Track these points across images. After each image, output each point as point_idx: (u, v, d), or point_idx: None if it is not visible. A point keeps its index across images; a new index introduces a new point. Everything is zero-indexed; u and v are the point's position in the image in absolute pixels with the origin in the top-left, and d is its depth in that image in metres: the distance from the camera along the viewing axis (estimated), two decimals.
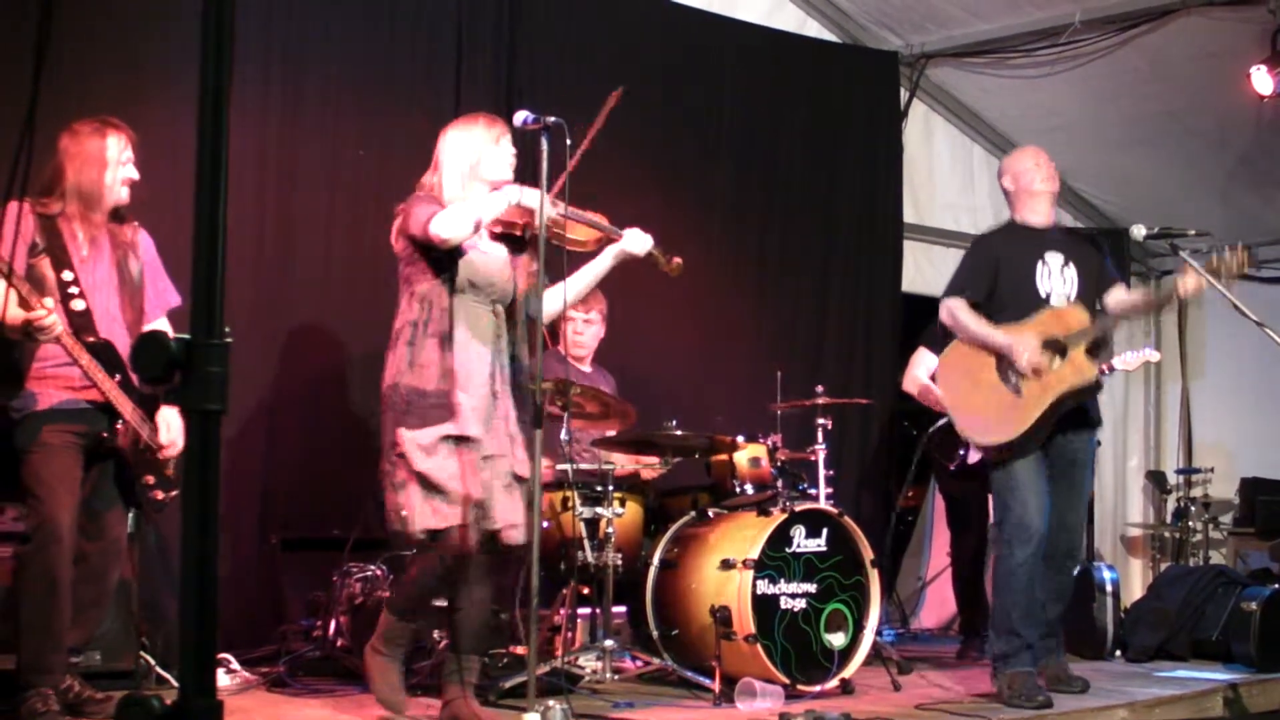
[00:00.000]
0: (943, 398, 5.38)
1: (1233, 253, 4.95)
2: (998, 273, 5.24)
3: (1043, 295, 5.19)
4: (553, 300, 4.45)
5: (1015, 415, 5.06)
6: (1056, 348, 5.09)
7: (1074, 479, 5.26)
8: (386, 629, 4.33)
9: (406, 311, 4.28)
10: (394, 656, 4.34)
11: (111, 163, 4.38)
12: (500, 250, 4.42)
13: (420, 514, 4.11)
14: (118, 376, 4.30)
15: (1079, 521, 5.36)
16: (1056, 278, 5.23)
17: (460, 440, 4.15)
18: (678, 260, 4.64)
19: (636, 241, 4.55)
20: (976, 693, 5.28)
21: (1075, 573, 5.45)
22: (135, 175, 4.44)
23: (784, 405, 6.29)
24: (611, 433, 5.67)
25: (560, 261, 4.35)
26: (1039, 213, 5.37)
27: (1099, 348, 5.24)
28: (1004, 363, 5.12)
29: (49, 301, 4.12)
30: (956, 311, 5.22)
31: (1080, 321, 5.11)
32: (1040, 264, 5.22)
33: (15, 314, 4.02)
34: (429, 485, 4.11)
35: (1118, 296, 5.31)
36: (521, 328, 4.38)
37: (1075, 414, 5.19)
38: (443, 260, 4.25)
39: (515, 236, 4.44)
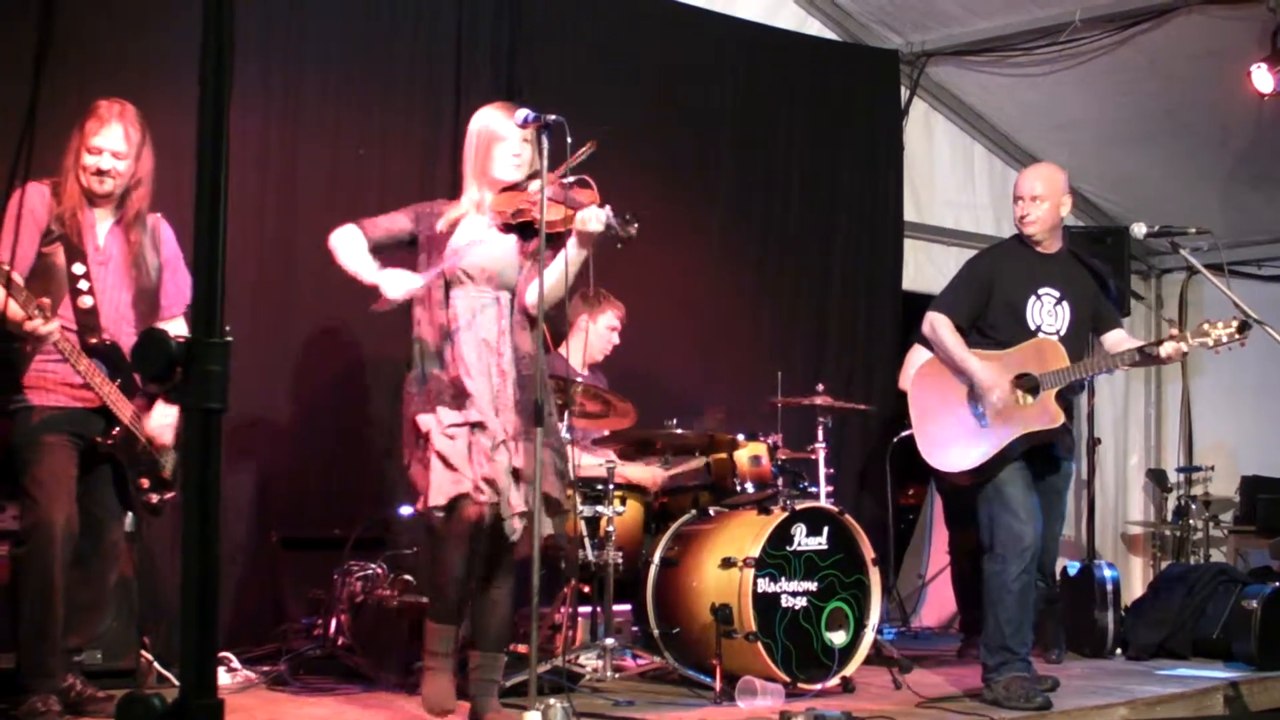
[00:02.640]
0: (910, 411, 5.29)
1: (1225, 325, 4.94)
2: (990, 298, 5.20)
3: (1031, 329, 5.15)
4: (533, 291, 4.36)
5: (974, 446, 5.06)
6: (1029, 384, 5.06)
7: (1053, 501, 5.27)
8: (430, 640, 4.30)
9: (417, 303, 4.36)
10: (443, 668, 4.29)
11: (92, 149, 4.28)
12: (506, 240, 4.40)
13: (438, 488, 4.14)
14: (118, 380, 4.27)
15: (1054, 537, 5.40)
16: (1048, 314, 5.18)
17: (474, 426, 4.19)
18: (634, 228, 4.27)
19: (591, 218, 4.23)
20: (977, 691, 5.28)
21: (1043, 584, 5.44)
22: (105, 165, 4.28)
23: (784, 401, 6.29)
24: (605, 432, 5.68)
25: (539, 249, 4.32)
26: (1054, 239, 5.28)
27: (1072, 392, 5.21)
28: (975, 391, 5.09)
29: (45, 301, 4.04)
30: (939, 328, 5.19)
31: (1059, 362, 5.05)
32: (1034, 298, 5.17)
33: (15, 312, 3.99)
34: (447, 464, 4.15)
35: (1115, 339, 5.28)
36: (519, 315, 4.38)
37: (1047, 446, 5.16)
38: (433, 253, 4.34)
39: (526, 224, 4.36)
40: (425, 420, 4.21)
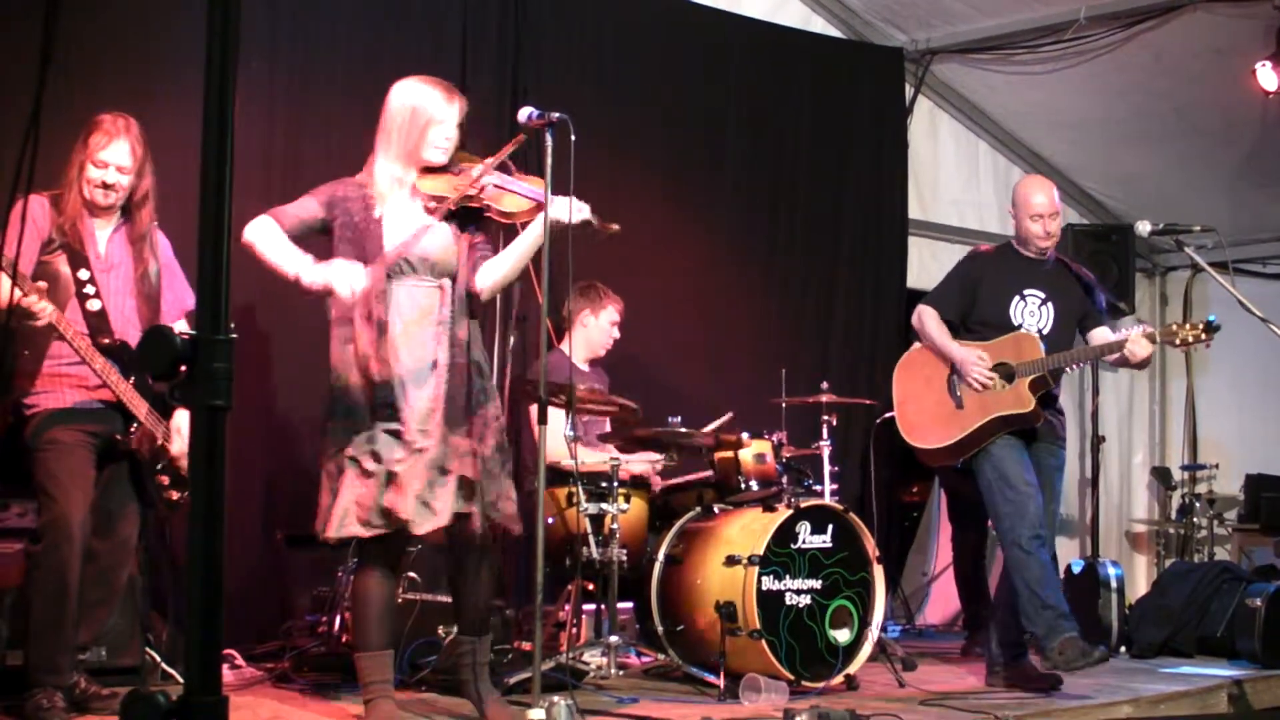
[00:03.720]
0: (894, 394, 5.62)
1: (1192, 328, 5.18)
2: (975, 297, 5.46)
3: (1014, 325, 5.38)
4: (487, 276, 4.20)
5: (949, 425, 5.35)
6: (1004, 372, 5.29)
7: (1044, 480, 5.36)
8: (362, 673, 4.13)
9: (339, 297, 4.06)
10: (384, 693, 4.11)
11: (98, 163, 4.30)
12: (444, 226, 4.20)
13: (336, 522, 3.98)
14: (132, 378, 4.30)
15: (1051, 517, 5.45)
16: (1031, 313, 5.41)
17: (392, 435, 4.00)
18: (615, 226, 4.21)
19: (562, 208, 4.08)
20: (981, 688, 5.29)
21: None
22: (110, 179, 4.31)
23: (789, 400, 6.29)
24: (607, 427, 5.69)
25: (497, 238, 4.22)
26: (1034, 248, 5.49)
27: (1045, 383, 5.32)
28: (954, 375, 5.37)
29: (42, 285, 4.07)
30: (925, 318, 5.49)
31: (1035, 354, 5.27)
32: (1018, 298, 5.42)
33: (13, 297, 3.98)
34: (351, 491, 3.98)
35: (1099, 336, 5.45)
36: (463, 304, 4.17)
37: (1028, 433, 5.33)
38: (363, 242, 4.11)
39: (471, 210, 4.20)
40: (337, 441, 4.02)
